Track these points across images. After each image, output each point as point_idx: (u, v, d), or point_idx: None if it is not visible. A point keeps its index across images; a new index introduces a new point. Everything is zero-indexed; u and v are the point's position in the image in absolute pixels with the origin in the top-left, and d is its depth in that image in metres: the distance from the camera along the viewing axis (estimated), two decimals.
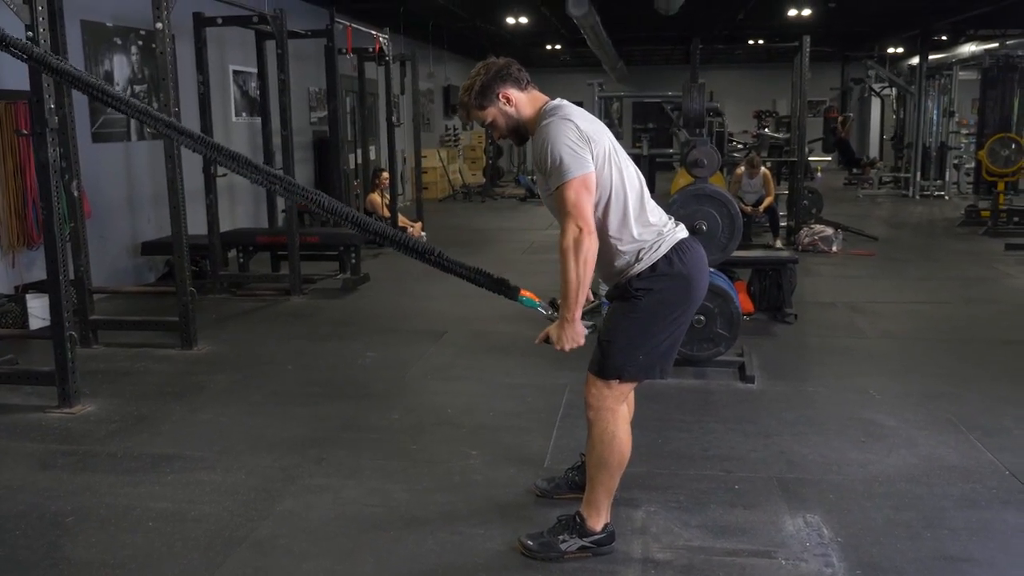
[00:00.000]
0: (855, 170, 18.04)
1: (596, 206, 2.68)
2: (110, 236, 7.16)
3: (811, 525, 3.10)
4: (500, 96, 2.80)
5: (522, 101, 2.81)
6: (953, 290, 7.45)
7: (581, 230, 2.59)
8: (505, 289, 2.85)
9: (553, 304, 2.79)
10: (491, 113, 2.83)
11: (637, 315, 2.74)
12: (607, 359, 2.76)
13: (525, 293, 2.84)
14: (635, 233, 2.73)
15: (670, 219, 2.85)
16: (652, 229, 2.76)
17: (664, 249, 2.74)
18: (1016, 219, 11.31)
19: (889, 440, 3.91)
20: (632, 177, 2.77)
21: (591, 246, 2.61)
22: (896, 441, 3.90)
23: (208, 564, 2.85)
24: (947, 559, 2.88)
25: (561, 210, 2.63)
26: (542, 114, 2.76)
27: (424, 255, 2.89)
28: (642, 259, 2.73)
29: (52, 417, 4.26)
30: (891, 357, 5.41)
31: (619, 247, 2.74)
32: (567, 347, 2.72)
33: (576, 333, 2.70)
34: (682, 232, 2.82)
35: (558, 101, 2.81)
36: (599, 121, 2.82)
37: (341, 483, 3.49)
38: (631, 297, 2.74)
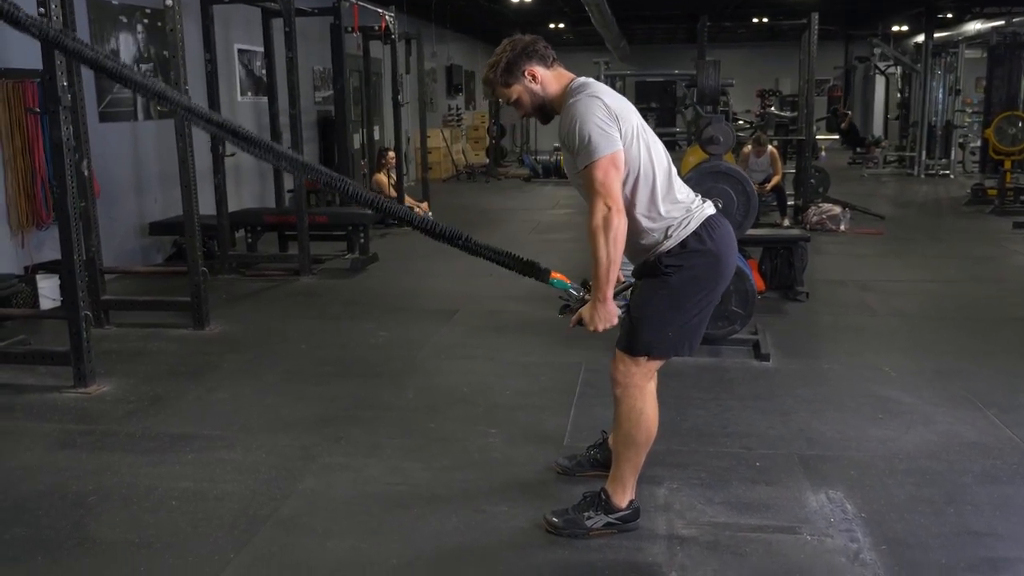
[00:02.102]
0: (859, 148, 18.01)
1: (624, 183, 2.65)
2: (118, 216, 7.13)
3: (834, 501, 3.10)
4: (526, 73, 2.77)
5: (548, 78, 2.79)
6: (961, 268, 7.45)
7: (610, 209, 2.56)
8: (535, 271, 2.82)
9: (585, 285, 2.77)
10: (516, 91, 2.80)
11: (667, 292, 2.72)
12: (636, 336, 2.75)
13: (556, 275, 2.81)
14: (663, 210, 2.70)
15: (697, 196, 2.83)
16: (680, 206, 2.74)
17: (693, 226, 2.72)
18: (1023, 198, 11.29)
19: (906, 417, 3.91)
20: (660, 155, 2.74)
21: (620, 225, 2.59)
22: (913, 418, 3.90)
23: (235, 542, 2.85)
24: (972, 534, 2.88)
25: (590, 189, 2.61)
26: (568, 92, 2.73)
27: (453, 239, 2.82)
28: (671, 236, 2.71)
29: (68, 397, 4.26)
30: (902, 335, 5.41)
31: (647, 225, 2.72)
32: (600, 327, 2.69)
33: (609, 313, 2.68)
34: (710, 209, 2.80)
35: (584, 79, 2.78)
36: (626, 99, 2.79)
37: (361, 462, 3.49)
38: (661, 274, 2.72)
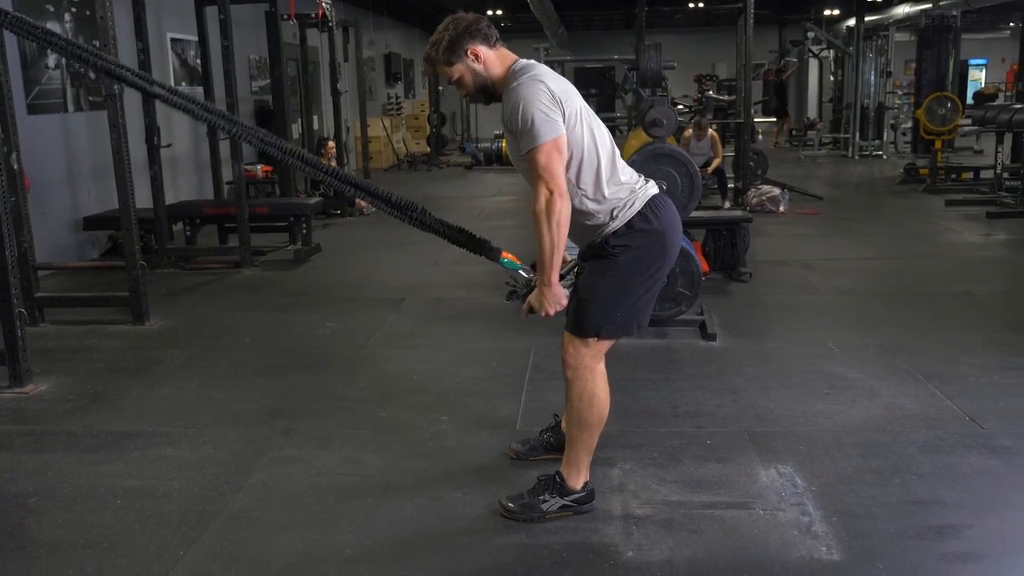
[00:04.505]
0: (776, 120, 18.23)
1: (568, 167, 2.64)
2: (50, 211, 6.92)
3: (784, 476, 3.14)
4: (468, 52, 2.72)
5: (491, 59, 2.75)
6: (899, 246, 7.62)
7: (552, 193, 2.55)
8: (486, 250, 2.82)
9: (535, 267, 2.76)
10: (459, 70, 2.76)
11: (615, 272, 2.72)
12: (585, 317, 2.75)
13: (506, 255, 2.80)
14: (608, 192, 2.70)
15: (641, 177, 2.83)
16: (625, 187, 2.74)
17: (639, 206, 2.72)
18: (953, 176, 11.60)
19: (852, 391, 3.99)
20: (603, 137, 2.74)
21: (563, 209, 2.57)
22: (859, 392, 3.97)
23: (184, 539, 2.78)
24: (917, 503, 2.94)
25: (532, 174, 2.59)
26: (511, 74, 2.70)
27: (405, 211, 2.83)
28: (617, 217, 2.71)
29: (4, 398, 4.12)
30: (845, 312, 5.51)
31: (593, 207, 2.71)
32: (551, 311, 2.69)
33: (557, 296, 2.68)
34: (653, 188, 2.80)
35: (526, 61, 2.75)
36: (568, 82, 2.77)
37: (312, 453, 3.44)
38: (608, 255, 2.72)
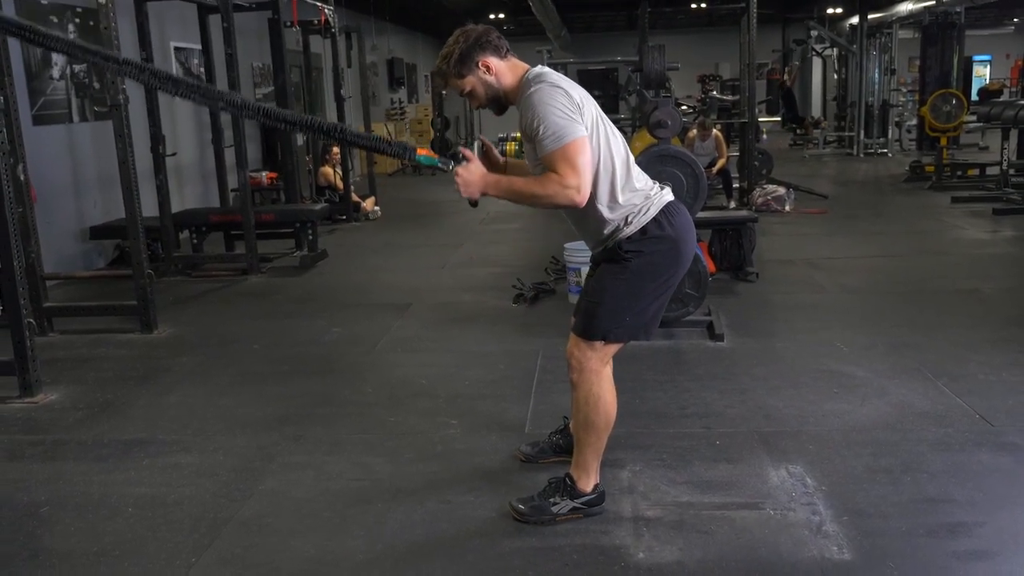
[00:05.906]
0: (798, 129, 18.26)
1: None
2: (56, 221, 6.94)
3: (795, 476, 3.14)
4: (480, 64, 2.73)
5: (502, 69, 2.76)
6: (905, 243, 7.61)
7: (579, 192, 2.55)
8: (403, 151, 2.78)
9: (454, 157, 2.73)
10: (470, 82, 2.76)
11: (626, 277, 2.72)
12: (593, 320, 2.75)
13: (422, 151, 2.77)
14: (623, 199, 2.71)
15: (655, 183, 2.84)
16: (639, 194, 2.74)
17: (653, 212, 2.72)
18: (959, 173, 11.57)
19: (861, 390, 3.98)
20: (618, 144, 2.74)
21: (566, 202, 2.58)
22: (868, 391, 3.97)
23: (196, 546, 2.79)
24: (928, 501, 2.94)
25: (560, 172, 2.58)
26: (525, 82, 2.70)
27: (330, 132, 2.87)
28: (631, 223, 2.71)
29: (14, 407, 4.13)
30: (852, 310, 5.50)
31: (607, 215, 2.72)
32: (461, 188, 2.65)
33: (475, 187, 2.65)
34: (668, 195, 2.80)
35: (540, 68, 2.76)
36: (583, 89, 2.77)
37: (322, 459, 3.45)
38: (621, 259, 2.72)
